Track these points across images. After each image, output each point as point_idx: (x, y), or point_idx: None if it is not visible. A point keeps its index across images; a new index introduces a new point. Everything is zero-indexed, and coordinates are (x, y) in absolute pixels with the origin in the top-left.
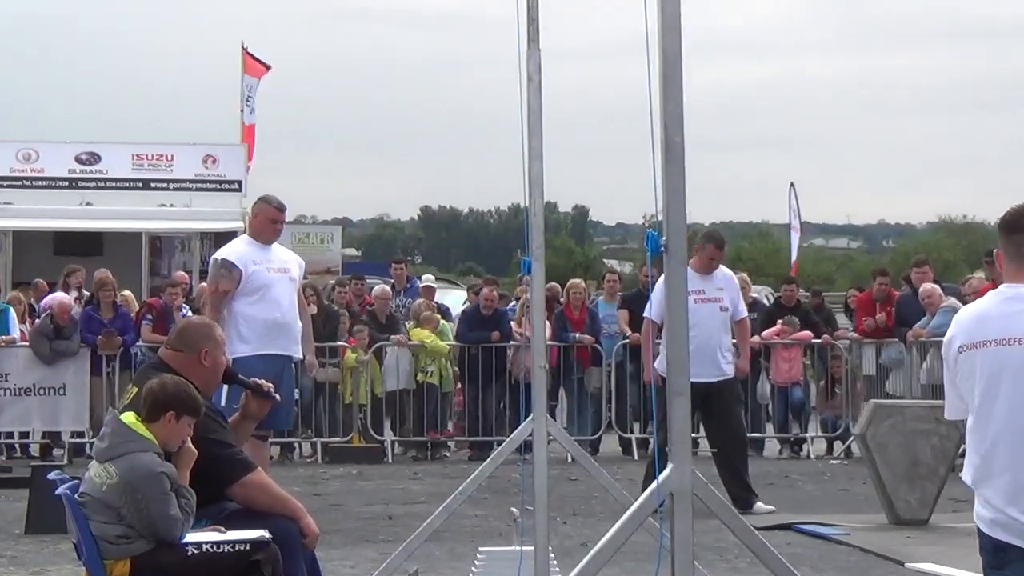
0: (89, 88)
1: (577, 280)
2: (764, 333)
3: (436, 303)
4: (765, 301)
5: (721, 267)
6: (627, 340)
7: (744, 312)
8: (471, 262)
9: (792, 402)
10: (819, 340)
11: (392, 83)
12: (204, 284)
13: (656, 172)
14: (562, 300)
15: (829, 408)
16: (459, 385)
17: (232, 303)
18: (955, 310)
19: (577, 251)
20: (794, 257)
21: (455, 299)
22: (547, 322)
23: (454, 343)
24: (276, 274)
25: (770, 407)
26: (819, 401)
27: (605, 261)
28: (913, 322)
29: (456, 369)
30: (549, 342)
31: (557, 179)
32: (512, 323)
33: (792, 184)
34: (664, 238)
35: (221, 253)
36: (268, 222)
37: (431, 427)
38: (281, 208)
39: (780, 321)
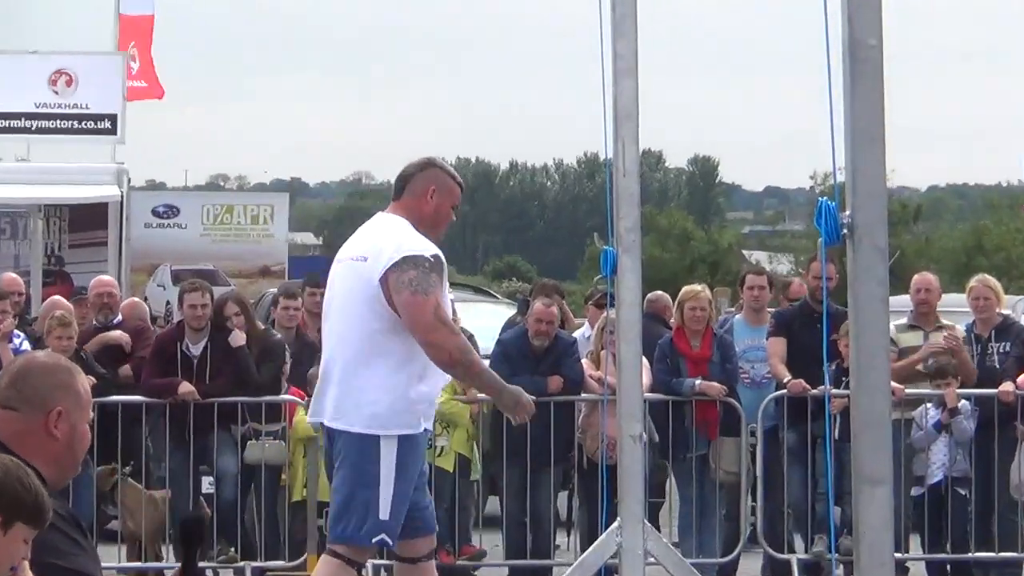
0: None
1: (697, 286)
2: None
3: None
4: None
5: None
6: (784, 391)
7: None
8: (514, 255)
9: None
10: None
11: None
12: (56, 297)
13: (834, 105)
14: (672, 320)
15: None
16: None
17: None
18: None
19: (699, 236)
20: None
21: (489, 319)
22: (644, 360)
23: (483, 397)
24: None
25: None
26: None
27: (745, 253)
28: None
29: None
30: (648, 394)
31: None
32: (584, 361)
33: None
34: (847, 212)
35: (423, 247)
36: (451, 209)
37: (445, 540)
38: (462, 186)
39: None
